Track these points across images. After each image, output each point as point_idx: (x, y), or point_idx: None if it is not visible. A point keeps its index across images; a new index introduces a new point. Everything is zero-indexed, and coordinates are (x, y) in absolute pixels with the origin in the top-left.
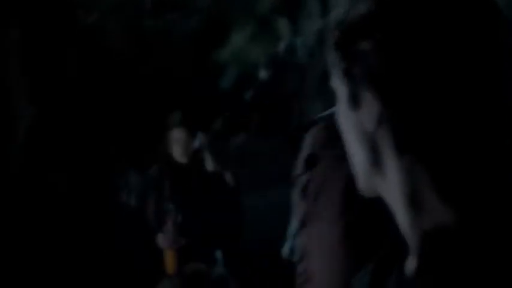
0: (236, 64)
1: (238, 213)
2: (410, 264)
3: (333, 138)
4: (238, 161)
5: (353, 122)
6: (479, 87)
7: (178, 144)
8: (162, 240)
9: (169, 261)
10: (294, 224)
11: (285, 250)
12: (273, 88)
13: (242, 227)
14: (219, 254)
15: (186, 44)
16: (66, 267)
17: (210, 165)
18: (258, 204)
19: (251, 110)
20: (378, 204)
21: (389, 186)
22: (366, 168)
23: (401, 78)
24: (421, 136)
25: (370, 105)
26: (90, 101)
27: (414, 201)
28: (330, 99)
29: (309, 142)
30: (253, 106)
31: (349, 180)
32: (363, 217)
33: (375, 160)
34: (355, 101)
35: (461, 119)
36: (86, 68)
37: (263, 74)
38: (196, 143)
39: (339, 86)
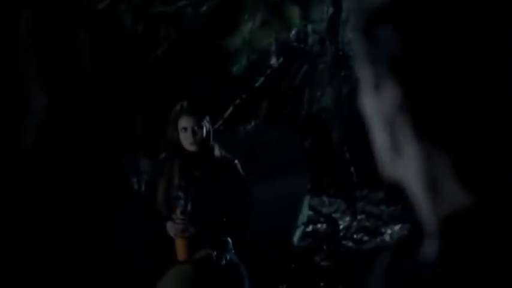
0: (246, 51)
1: (247, 202)
2: (429, 247)
3: None
4: (248, 149)
5: (375, 107)
6: (499, 71)
7: (186, 133)
8: (172, 227)
9: (180, 248)
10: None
11: (296, 238)
12: (284, 76)
13: (251, 216)
14: (229, 241)
15: (197, 30)
16: (75, 264)
17: (218, 153)
18: (267, 193)
19: (261, 98)
20: None
21: (409, 171)
22: (386, 153)
23: (420, 63)
24: (440, 121)
25: (391, 90)
26: (100, 88)
27: (434, 186)
28: (340, 87)
29: None
30: (263, 94)
31: None
32: None
33: (396, 145)
34: (377, 86)
35: (480, 104)
36: (96, 54)
37: (273, 61)
38: (205, 131)
39: (362, 70)
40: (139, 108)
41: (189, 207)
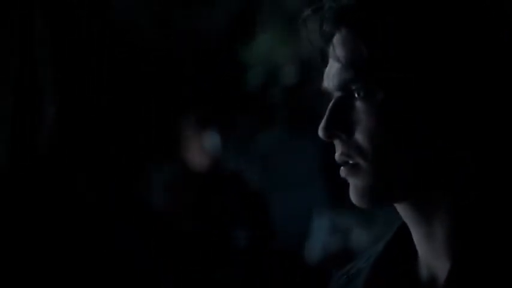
0: (263, 62)
1: (263, 218)
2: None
3: None
4: (264, 160)
5: (381, 112)
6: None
7: (195, 148)
8: None
9: None
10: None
11: (309, 250)
12: (300, 87)
13: (270, 231)
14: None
15: (214, 41)
16: (86, 266)
17: (229, 168)
18: (285, 206)
19: (277, 109)
20: None
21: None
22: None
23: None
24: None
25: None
26: (117, 96)
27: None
28: None
29: None
30: (280, 105)
31: None
32: None
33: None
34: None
35: (484, 103)
36: (113, 61)
37: (290, 72)
38: (215, 146)
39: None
40: (155, 116)
41: (197, 226)
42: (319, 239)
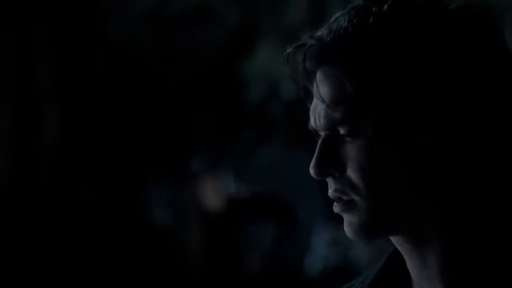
0: (262, 77)
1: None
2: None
3: None
4: (263, 175)
5: (372, 149)
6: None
7: (209, 191)
8: None
9: None
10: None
11: (309, 264)
12: (299, 101)
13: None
14: None
15: (213, 56)
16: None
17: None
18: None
19: (277, 124)
20: None
21: None
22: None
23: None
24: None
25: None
26: (117, 111)
27: None
28: None
29: None
30: (279, 120)
31: None
32: None
33: None
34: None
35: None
36: (113, 76)
37: (289, 87)
38: (230, 188)
39: None
40: (156, 131)
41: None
42: (319, 252)
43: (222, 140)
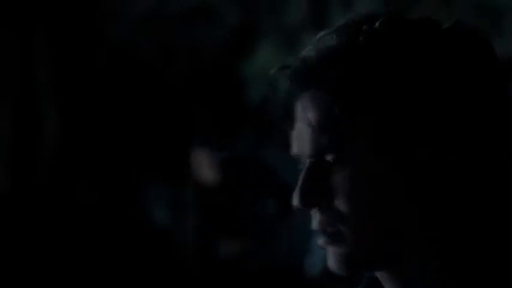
0: (262, 78)
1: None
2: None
3: None
4: (264, 177)
5: (361, 177)
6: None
7: (204, 168)
8: None
9: None
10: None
11: (309, 266)
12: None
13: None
14: None
15: (213, 56)
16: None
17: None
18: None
19: (276, 125)
20: None
21: None
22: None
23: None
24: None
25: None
26: (117, 110)
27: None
28: None
29: None
30: (278, 121)
31: None
32: None
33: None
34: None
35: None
36: (113, 76)
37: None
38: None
39: None
40: (156, 131)
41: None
42: (320, 253)
43: (222, 140)
